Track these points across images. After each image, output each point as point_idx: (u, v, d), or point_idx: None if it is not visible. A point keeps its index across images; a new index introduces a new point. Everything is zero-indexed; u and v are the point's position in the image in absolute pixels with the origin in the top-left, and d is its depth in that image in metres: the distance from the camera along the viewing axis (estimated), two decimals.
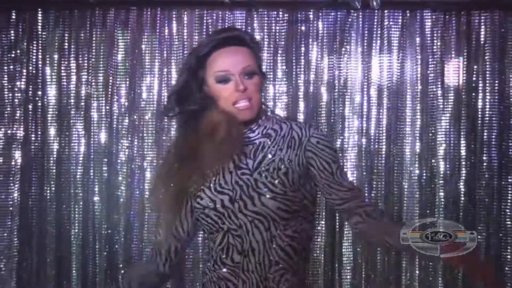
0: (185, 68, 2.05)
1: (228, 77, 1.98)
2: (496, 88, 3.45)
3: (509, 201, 3.44)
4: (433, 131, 3.48)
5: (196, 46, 2.12)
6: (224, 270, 2.00)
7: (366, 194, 3.50)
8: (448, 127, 3.47)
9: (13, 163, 3.58)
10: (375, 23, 3.49)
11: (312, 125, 2.22)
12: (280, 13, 3.50)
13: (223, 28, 3.37)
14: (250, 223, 1.97)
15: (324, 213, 3.50)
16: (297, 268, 1.99)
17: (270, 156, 2.00)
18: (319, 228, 3.51)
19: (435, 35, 3.47)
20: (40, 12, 3.55)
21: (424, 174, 3.49)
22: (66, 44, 3.55)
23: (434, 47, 3.47)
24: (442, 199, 3.48)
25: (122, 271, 3.53)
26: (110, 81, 3.54)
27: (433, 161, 3.49)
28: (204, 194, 2.00)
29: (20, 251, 3.59)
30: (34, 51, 3.56)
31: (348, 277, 3.51)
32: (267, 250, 1.96)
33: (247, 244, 1.97)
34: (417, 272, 3.48)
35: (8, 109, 3.58)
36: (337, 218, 3.50)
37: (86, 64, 3.55)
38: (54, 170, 3.57)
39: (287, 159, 1.99)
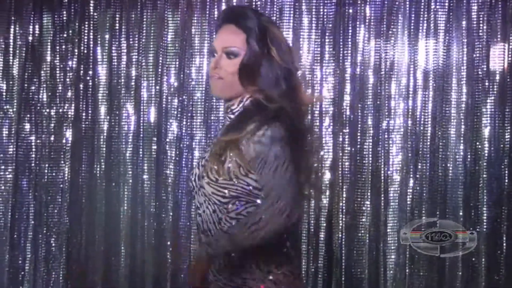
0: None
1: (214, 52, 1.98)
2: None
3: None
4: (478, 113, 3.50)
5: None
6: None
7: (411, 176, 3.54)
8: (493, 109, 3.49)
9: (64, 141, 3.65)
10: (422, 7, 3.51)
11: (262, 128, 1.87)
12: None
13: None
14: (205, 203, 1.94)
15: (369, 194, 3.54)
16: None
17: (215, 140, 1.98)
18: (363, 208, 3.55)
19: (481, 18, 3.49)
20: None
21: (469, 156, 3.52)
22: (117, 24, 3.60)
23: (480, 30, 3.49)
24: (486, 181, 3.51)
25: (170, 249, 3.60)
26: (160, 61, 3.59)
27: (477, 143, 3.52)
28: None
29: (70, 227, 3.66)
30: (86, 31, 3.62)
31: (393, 257, 3.54)
32: (218, 231, 1.91)
33: (205, 224, 1.95)
34: (460, 252, 3.52)
35: (60, 88, 3.64)
36: (382, 198, 3.54)
37: (136, 45, 3.60)
38: (104, 149, 3.63)
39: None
